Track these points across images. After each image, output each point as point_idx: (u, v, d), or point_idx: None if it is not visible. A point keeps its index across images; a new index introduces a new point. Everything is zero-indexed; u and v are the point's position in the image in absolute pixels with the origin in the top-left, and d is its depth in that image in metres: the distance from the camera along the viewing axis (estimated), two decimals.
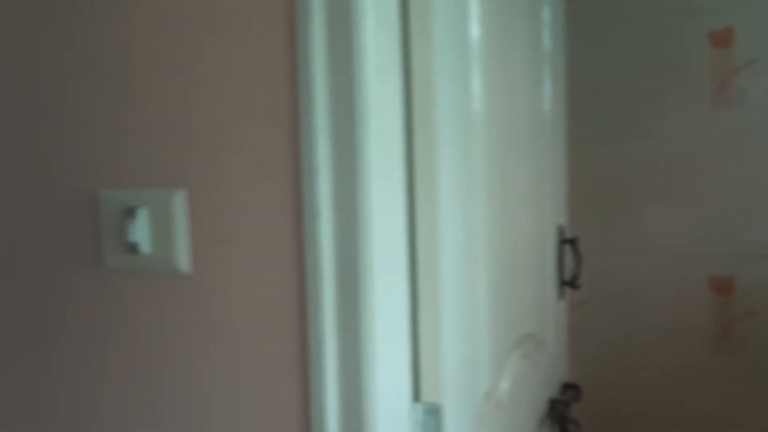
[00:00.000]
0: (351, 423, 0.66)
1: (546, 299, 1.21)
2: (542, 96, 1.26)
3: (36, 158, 0.80)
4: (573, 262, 1.27)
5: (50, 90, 0.79)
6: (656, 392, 2.02)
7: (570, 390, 1.23)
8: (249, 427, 0.71)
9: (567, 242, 1.28)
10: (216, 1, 0.69)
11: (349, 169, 0.63)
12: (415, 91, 0.70)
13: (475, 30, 0.84)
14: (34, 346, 0.83)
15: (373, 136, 0.63)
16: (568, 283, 1.26)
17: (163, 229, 0.73)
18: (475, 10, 0.84)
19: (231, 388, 0.71)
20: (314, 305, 0.65)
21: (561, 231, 1.30)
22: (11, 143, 0.82)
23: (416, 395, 0.74)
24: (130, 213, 0.74)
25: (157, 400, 0.76)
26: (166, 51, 0.72)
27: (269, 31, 0.66)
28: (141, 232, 0.74)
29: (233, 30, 0.68)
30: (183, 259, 0.72)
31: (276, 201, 0.67)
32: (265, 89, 0.67)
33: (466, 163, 0.81)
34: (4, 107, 0.82)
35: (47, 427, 0.84)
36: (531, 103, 1.16)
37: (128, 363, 0.77)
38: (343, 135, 0.63)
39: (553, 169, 1.30)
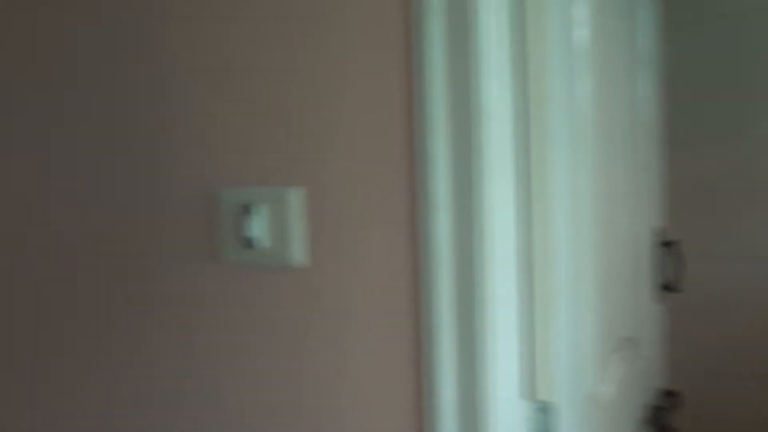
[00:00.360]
0: (464, 416, 0.66)
1: (642, 303, 1.19)
2: (638, 97, 1.24)
3: (160, 159, 0.85)
4: (672, 266, 1.24)
5: (172, 93, 0.83)
6: (754, 403, 1.94)
7: (669, 397, 1.20)
8: (362, 420, 0.72)
9: (666, 245, 1.25)
10: (330, 1, 0.71)
11: (467, 164, 0.64)
12: (531, 90, 0.71)
13: (579, 31, 0.84)
14: (153, 339, 0.88)
15: (489, 133, 0.65)
16: (668, 287, 1.23)
17: (280, 225, 0.76)
18: (578, 12, 0.84)
19: (343, 382, 0.73)
20: (431, 299, 0.66)
21: (658, 233, 1.27)
22: (140, 145, 0.87)
23: (524, 392, 0.74)
24: (247, 209, 0.77)
25: (271, 393, 0.79)
26: (285, 53, 0.75)
27: (385, 29, 0.69)
28: (258, 227, 0.77)
29: (348, 29, 0.70)
30: (299, 253, 0.75)
31: (392, 197, 0.69)
32: (382, 87, 0.69)
33: (573, 163, 0.81)
34: (130, 111, 0.87)
35: (160, 417, 0.88)
36: (627, 104, 1.15)
37: (243, 356, 0.80)
38: (461, 131, 0.64)
39: (649, 171, 1.28)
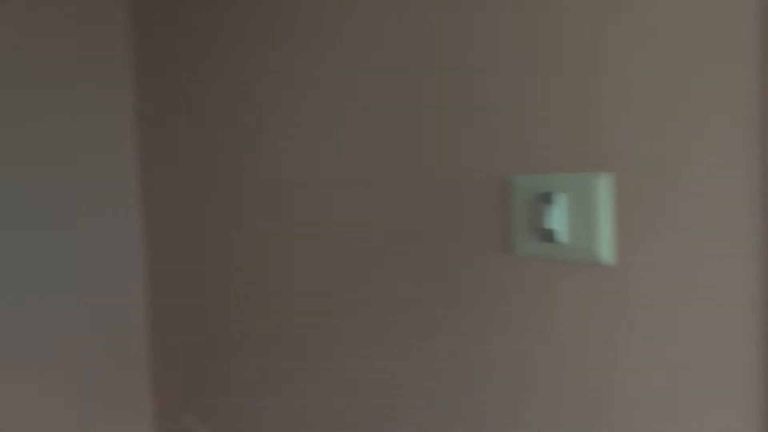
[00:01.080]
0: None
1: None
2: None
3: (450, 145, 0.82)
4: None
5: (464, 73, 0.79)
6: None
7: None
8: None
9: None
10: None
11: None
12: None
13: None
14: (437, 329, 0.85)
15: None
16: None
17: (583, 216, 0.67)
18: None
19: (660, 401, 0.63)
20: None
21: None
22: (430, 131, 0.85)
23: None
24: (545, 198, 0.70)
25: (567, 397, 0.71)
26: (594, 23, 0.66)
27: None
28: (558, 218, 0.69)
29: None
30: (606, 249, 0.66)
31: (733, 188, 0.56)
32: (722, 45, 0.56)
33: None
34: (426, 97, 0.85)
35: (441, 407, 0.86)
36: None
37: (535, 355, 0.74)
38: None
39: None
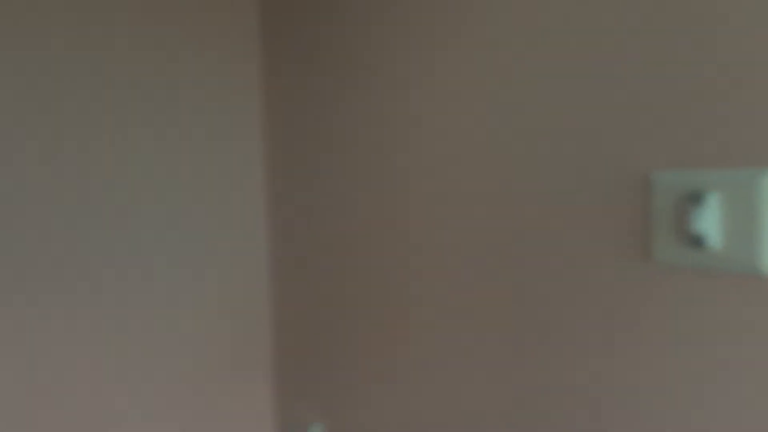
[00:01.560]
0: None
1: None
2: None
3: (580, 136, 0.74)
4: None
5: (600, 56, 0.71)
6: None
7: None
8: None
9: None
10: None
11: None
12: None
13: None
14: (561, 342, 0.77)
15: None
16: None
17: (741, 220, 0.58)
18: None
19: None
20: None
21: None
22: (557, 123, 0.77)
23: None
24: (694, 198, 0.61)
25: (710, 429, 0.61)
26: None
27: None
28: (709, 222, 0.60)
29: None
30: None
31: None
32: None
33: None
34: (553, 87, 0.78)
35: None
36: None
37: (677, 380, 0.64)
38: None
39: None
